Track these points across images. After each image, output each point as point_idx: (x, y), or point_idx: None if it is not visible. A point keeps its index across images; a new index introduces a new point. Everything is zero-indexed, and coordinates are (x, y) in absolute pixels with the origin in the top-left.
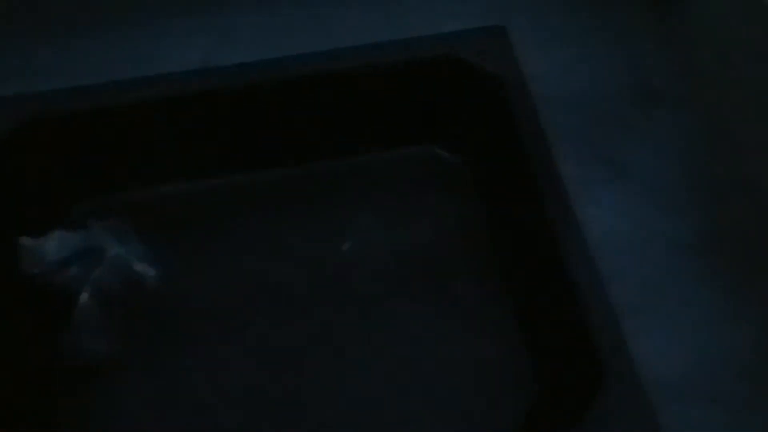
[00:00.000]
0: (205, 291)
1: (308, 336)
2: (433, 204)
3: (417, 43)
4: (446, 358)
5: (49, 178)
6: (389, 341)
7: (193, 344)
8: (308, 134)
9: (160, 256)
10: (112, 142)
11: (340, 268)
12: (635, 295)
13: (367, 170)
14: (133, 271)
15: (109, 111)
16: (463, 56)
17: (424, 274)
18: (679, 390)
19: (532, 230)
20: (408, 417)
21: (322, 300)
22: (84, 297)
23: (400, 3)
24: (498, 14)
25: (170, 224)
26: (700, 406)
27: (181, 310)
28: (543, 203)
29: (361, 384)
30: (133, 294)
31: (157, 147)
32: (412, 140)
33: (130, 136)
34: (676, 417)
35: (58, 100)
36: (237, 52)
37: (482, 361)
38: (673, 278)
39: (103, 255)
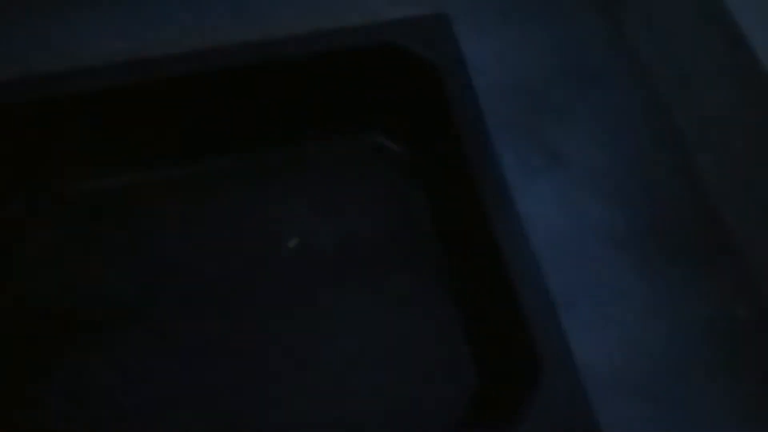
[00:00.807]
0: (130, 290)
1: (248, 332)
2: (375, 194)
3: (358, 31)
4: (389, 349)
5: None
6: (331, 334)
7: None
8: (246, 123)
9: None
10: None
11: (280, 261)
12: (571, 287)
13: (307, 160)
14: None
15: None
16: (404, 44)
17: (366, 265)
18: (612, 383)
19: (473, 221)
20: (349, 408)
21: (264, 294)
22: None
23: None
24: (434, 1)
25: (100, 218)
26: (632, 400)
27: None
28: (483, 194)
29: (302, 377)
30: None
31: (88, 138)
32: (354, 129)
33: (60, 127)
34: (609, 411)
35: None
36: (171, 42)
37: (424, 352)
38: (610, 270)
39: None
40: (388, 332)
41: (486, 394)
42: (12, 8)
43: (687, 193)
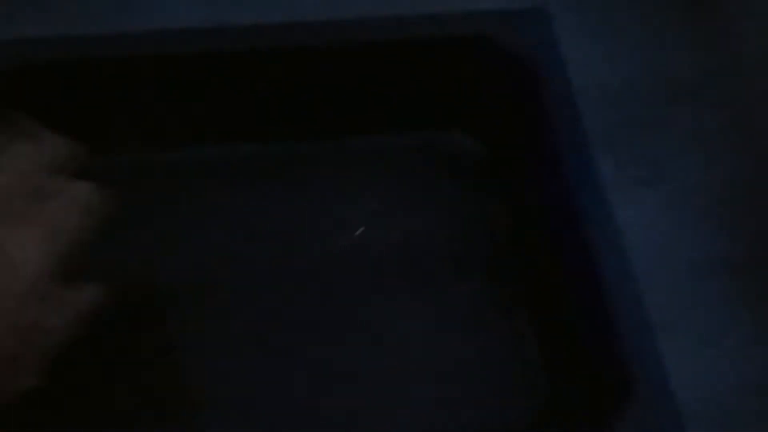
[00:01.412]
0: (191, 275)
1: (303, 330)
2: (451, 194)
3: (445, 19)
4: (453, 364)
5: None
6: (393, 340)
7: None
8: (320, 109)
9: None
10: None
11: (343, 258)
12: (667, 309)
13: (381, 154)
14: None
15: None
16: (495, 35)
17: (435, 269)
18: (704, 417)
19: (563, 230)
20: (412, 420)
21: (320, 292)
22: None
23: None
24: None
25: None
26: None
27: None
28: (577, 201)
29: (362, 385)
30: None
31: (138, 109)
32: (434, 124)
33: (110, 93)
34: None
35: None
36: (245, 12)
37: (491, 366)
38: (710, 295)
39: None
40: (453, 345)
41: (557, 411)
42: None
43: None
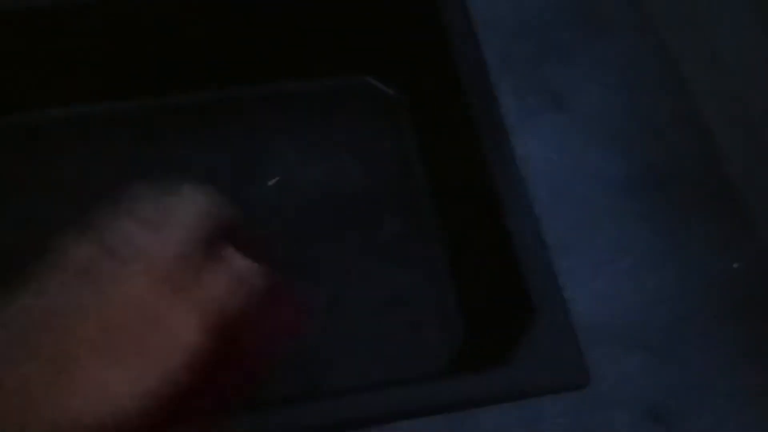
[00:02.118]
0: None
1: None
2: (366, 137)
3: None
4: (376, 297)
5: None
6: (316, 281)
7: None
8: (234, 56)
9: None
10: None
11: (264, 205)
12: (568, 233)
13: (294, 98)
14: None
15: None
16: None
17: (353, 211)
18: (603, 332)
19: (467, 164)
20: (334, 356)
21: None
22: None
23: None
24: None
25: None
26: (625, 349)
27: None
28: (480, 138)
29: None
30: None
31: (62, 62)
32: (345, 69)
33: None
34: (601, 359)
35: None
36: None
37: (412, 300)
38: (608, 218)
39: None
40: (373, 278)
41: (475, 339)
42: None
43: (691, 141)
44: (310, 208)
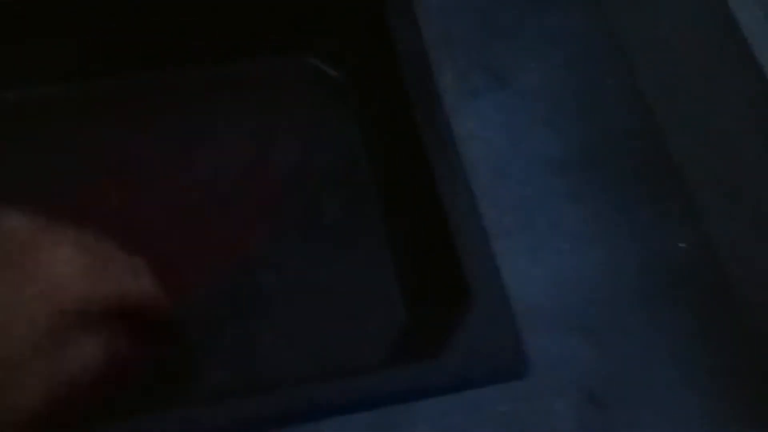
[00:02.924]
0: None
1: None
2: (307, 120)
3: None
4: (313, 284)
5: None
6: (251, 264)
7: None
8: (168, 36)
9: None
10: None
11: (199, 186)
12: (507, 215)
13: (235, 80)
14: None
15: None
16: None
17: (292, 194)
18: (543, 315)
19: (406, 146)
20: (268, 345)
21: (175, 223)
22: None
23: None
24: None
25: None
26: (563, 332)
27: None
28: (417, 121)
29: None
30: None
31: None
32: (288, 50)
33: None
34: (539, 342)
35: None
36: None
37: (351, 287)
38: (548, 198)
39: None
40: (311, 264)
41: (415, 328)
42: None
43: (633, 121)
44: (246, 191)
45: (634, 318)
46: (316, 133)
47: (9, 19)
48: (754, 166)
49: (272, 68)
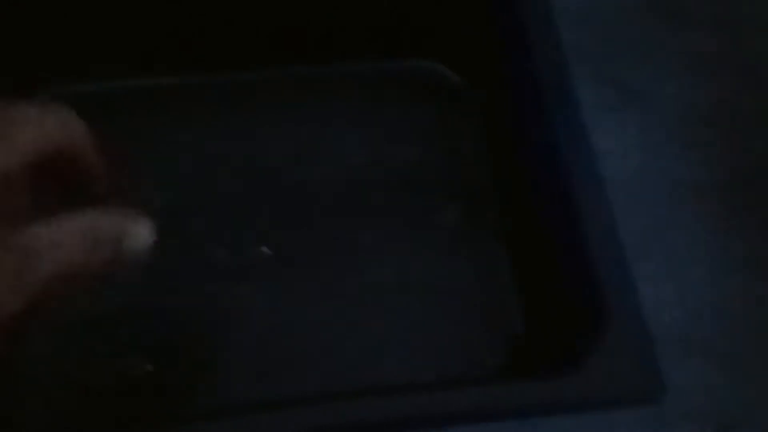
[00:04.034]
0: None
1: (285, 251)
2: (429, 124)
3: None
4: (428, 286)
5: None
6: (368, 267)
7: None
8: (289, 32)
9: None
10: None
11: (319, 187)
12: (642, 238)
13: (351, 81)
14: None
15: None
16: None
17: (412, 198)
18: (673, 341)
19: (539, 162)
20: (382, 348)
21: (294, 222)
22: None
23: None
24: None
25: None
26: (694, 360)
27: None
28: (553, 127)
29: (333, 311)
30: None
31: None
32: (412, 52)
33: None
34: (669, 369)
35: None
36: None
37: (467, 296)
38: (684, 222)
39: None
40: (423, 266)
41: (533, 340)
42: None
43: None
44: (361, 191)
45: None
46: (436, 137)
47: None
48: None
49: (394, 69)
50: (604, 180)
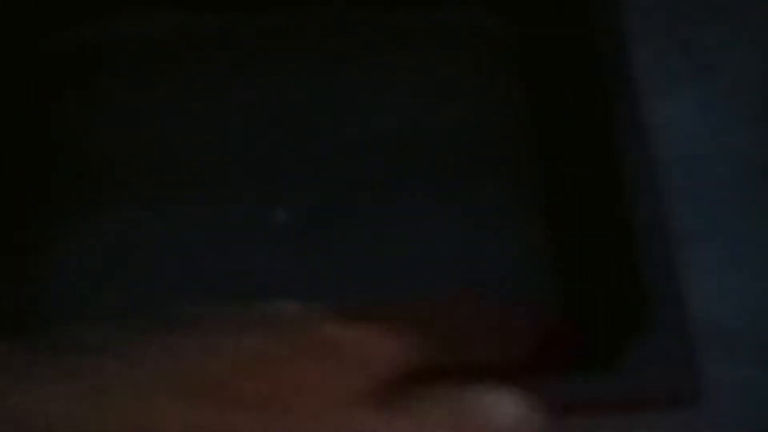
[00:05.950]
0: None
1: (321, 212)
2: (473, 83)
3: None
4: (462, 261)
5: None
6: (400, 238)
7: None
8: None
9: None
10: None
11: (363, 145)
12: (698, 221)
13: (389, 33)
14: None
15: None
16: None
17: (451, 165)
18: (722, 339)
19: (587, 130)
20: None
21: (329, 181)
22: None
23: None
24: None
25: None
26: (742, 360)
27: None
28: (606, 99)
29: (369, 280)
30: None
31: None
32: (461, 4)
33: None
34: (714, 369)
35: None
36: None
37: (502, 271)
38: (749, 206)
39: None
40: (458, 248)
41: (568, 328)
42: None
43: None
44: (401, 156)
45: None
46: (481, 97)
47: None
48: None
49: (441, 22)
50: (654, 159)
